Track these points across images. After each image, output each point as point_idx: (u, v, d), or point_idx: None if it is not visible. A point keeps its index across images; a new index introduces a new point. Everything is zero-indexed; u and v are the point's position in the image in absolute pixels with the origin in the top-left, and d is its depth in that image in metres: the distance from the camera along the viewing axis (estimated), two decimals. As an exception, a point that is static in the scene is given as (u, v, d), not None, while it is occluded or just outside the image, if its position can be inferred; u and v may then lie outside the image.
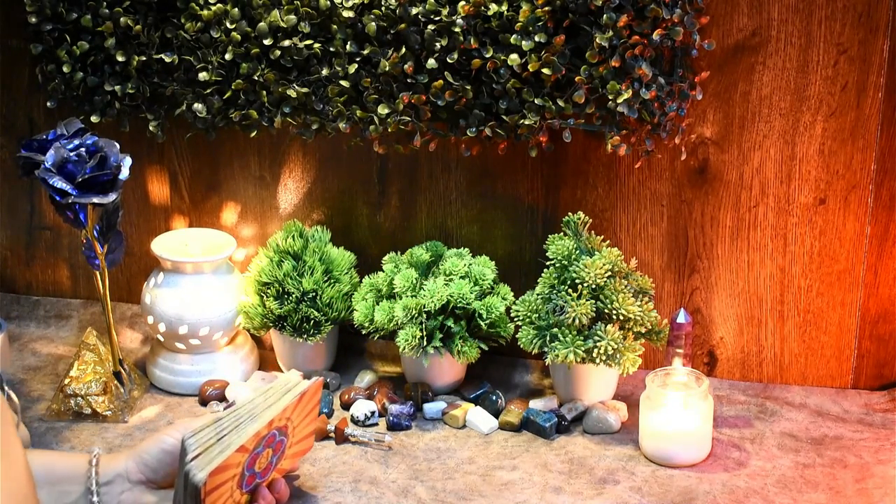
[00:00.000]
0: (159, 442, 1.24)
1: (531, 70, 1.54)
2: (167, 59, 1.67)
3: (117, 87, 1.71)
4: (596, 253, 1.60)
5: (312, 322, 1.66)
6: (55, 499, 1.20)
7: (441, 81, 1.58)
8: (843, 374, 1.68)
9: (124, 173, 1.54)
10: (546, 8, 1.51)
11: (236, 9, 1.63)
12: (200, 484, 1.17)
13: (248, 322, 1.70)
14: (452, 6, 1.55)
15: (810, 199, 1.62)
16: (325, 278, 1.69)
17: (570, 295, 1.56)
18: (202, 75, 1.67)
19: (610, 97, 1.53)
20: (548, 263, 1.61)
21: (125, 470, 1.21)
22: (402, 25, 1.58)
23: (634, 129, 1.59)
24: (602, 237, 1.64)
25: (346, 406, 1.65)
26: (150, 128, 1.74)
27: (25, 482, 0.92)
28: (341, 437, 1.57)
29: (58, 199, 1.51)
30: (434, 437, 1.59)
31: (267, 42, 1.63)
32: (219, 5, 1.64)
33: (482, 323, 1.62)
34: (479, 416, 1.61)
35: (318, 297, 1.67)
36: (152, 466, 1.23)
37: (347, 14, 1.59)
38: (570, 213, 1.63)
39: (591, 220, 1.64)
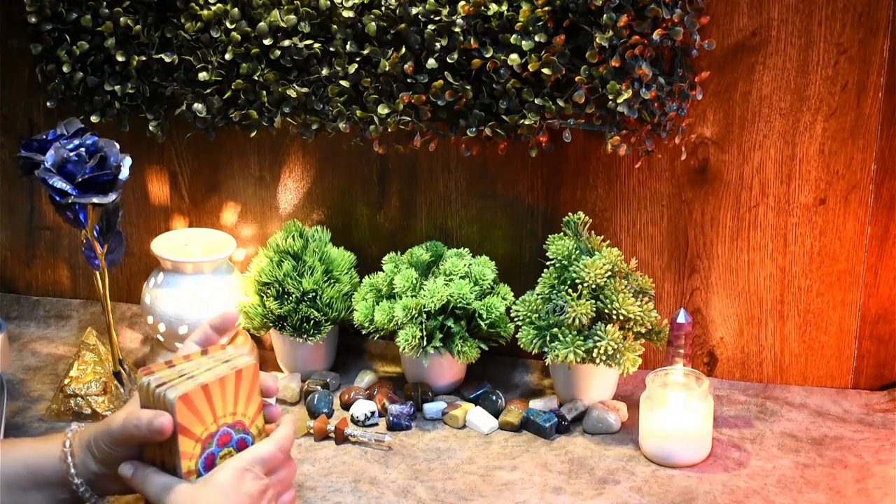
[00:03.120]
0: (105, 447, 1.20)
1: (531, 70, 1.54)
2: (167, 59, 1.67)
3: (117, 87, 1.71)
4: (596, 253, 1.60)
5: (312, 322, 1.66)
6: (52, 497, 1.19)
7: (441, 81, 1.58)
8: (844, 375, 1.68)
9: (124, 173, 1.54)
10: (546, 8, 1.51)
11: (236, 9, 1.64)
12: (173, 399, 1.11)
13: (248, 322, 1.70)
14: (452, 6, 1.55)
15: (810, 199, 1.62)
16: (325, 278, 1.69)
17: (570, 295, 1.56)
18: (202, 75, 1.67)
19: (610, 97, 1.53)
20: (548, 263, 1.61)
21: (99, 470, 1.20)
22: (402, 25, 1.58)
23: (634, 129, 1.59)
24: (602, 237, 1.64)
25: (346, 406, 1.65)
26: (150, 128, 1.74)
27: None
28: (341, 437, 1.57)
29: (58, 199, 1.51)
30: (434, 437, 1.59)
31: (267, 42, 1.63)
32: (219, 5, 1.64)
33: (482, 323, 1.62)
34: (479, 416, 1.61)
35: (318, 297, 1.67)
36: (118, 463, 1.20)
37: (347, 14, 1.59)
38: (570, 213, 1.63)
39: (591, 220, 1.64)
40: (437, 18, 1.56)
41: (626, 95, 1.52)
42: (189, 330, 1.67)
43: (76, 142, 1.54)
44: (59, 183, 1.50)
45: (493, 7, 1.54)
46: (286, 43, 1.63)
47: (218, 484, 1.13)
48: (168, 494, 1.13)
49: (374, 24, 1.59)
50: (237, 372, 1.18)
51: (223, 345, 1.24)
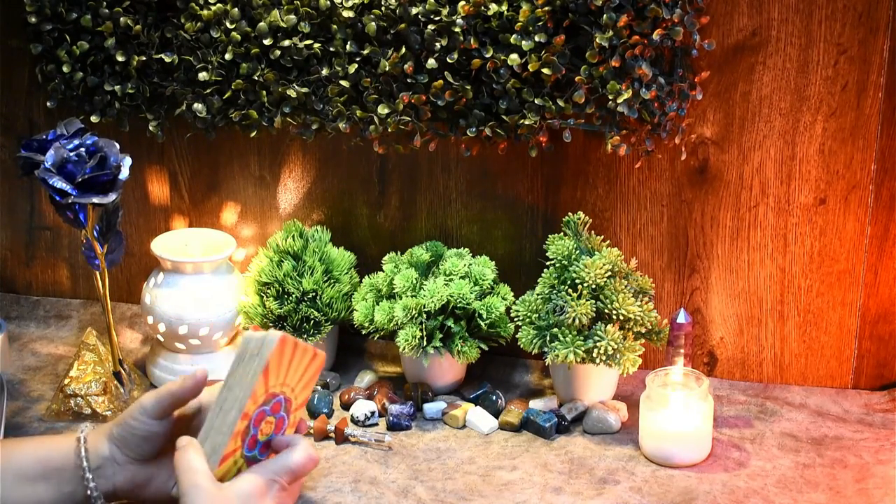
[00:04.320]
0: (130, 419, 1.21)
1: (531, 70, 1.54)
2: (167, 59, 1.67)
3: (117, 87, 1.71)
4: (596, 253, 1.60)
5: (312, 322, 1.66)
6: (56, 489, 1.20)
7: (441, 81, 1.58)
8: (844, 375, 1.68)
9: (124, 173, 1.54)
10: (546, 8, 1.51)
11: (236, 9, 1.64)
12: (274, 339, 1.14)
13: (248, 322, 1.70)
14: (452, 6, 1.55)
15: (810, 198, 1.62)
16: (325, 278, 1.69)
17: (570, 295, 1.56)
18: (202, 75, 1.67)
19: (610, 97, 1.53)
20: (548, 263, 1.61)
21: (110, 454, 1.21)
22: (402, 25, 1.58)
23: (634, 129, 1.59)
24: (602, 237, 1.64)
25: (346, 406, 1.65)
26: (150, 128, 1.74)
27: None
28: (341, 437, 1.57)
29: (58, 199, 1.51)
30: (434, 437, 1.59)
31: (267, 42, 1.63)
32: (219, 5, 1.64)
33: (482, 323, 1.62)
34: (479, 416, 1.61)
35: (318, 297, 1.67)
36: (131, 446, 1.22)
37: (347, 14, 1.59)
38: (570, 213, 1.63)
39: (591, 220, 1.64)
40: (437, 18, 1.56)
41: (626, 95, 1.52)
42: (189, 330, 1.67)
43: (76, 142, 1.54)
44: (59, 183, 1.50)
45: (493, 7, 1.54)
46: (286, 43, 1.63)
47: (239, 494, 1.13)
48: (191, 492, 1.13)
49: (374, 24, 1.59)
50: (314, 351, 1.21)
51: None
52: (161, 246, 1.72)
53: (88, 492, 1.20)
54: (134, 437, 1.20)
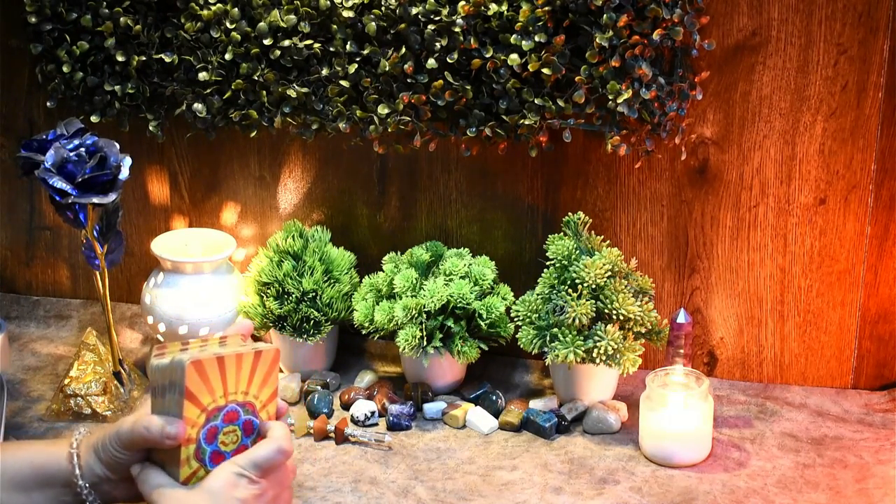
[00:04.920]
0: (110, 446, 1.20)
1: (531, 70, 1.54)
2: (167, 59, 1.67)
3: (117, 87, 1.71)
4: (596, 253, 1.60)
5: (312, 322, 1.66)
6: (55, 499, 1.20)
7: (441, 81, 1.58)
8: (844, 375, 1.68)
9: (124, 173, 1.54)
10: (546, 8, 1.51)
11: (236, 9, 1.64)
12: (186, 361, 1.10)
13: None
14: (452, 6, 1.55)
15: (810, 199, 1.62)
16: (325, 278, 1.69)
17: (570, 295, 1.56)
18: (202, 75, 1.67)
19: (610, 97, 1.53)
20: (548, 263, 1.61)
21: (103, 473, 1.20)
22: (402, 25, 1.58)
23: (634, 129, 1.59)
24: (602, 237, 1.64)
25: (346, 406, 1.65)
26: (150, 128, 1.74)
27: None
28: (341, 437, 1.57)
29: (58, 199, 1.51)
30: (434, 437, 1.59)
31: (267, 42, 1.63)
32: (219, 5, 1.64)
33: (482, 323, 1.62)
34: (479, 416, 1.61)
35: (318, 297, 1.67)
36: (118, 469, 1.21)
37: (347, 14, 1.59)
38: (570, 213, 1.63)
39: (591, 220, 1.64)
40: (437, 18, 1.56)
41: (626, 95, 1.52)
42: (189, 330, 1.67)
43: (76, 142, 1.54)
44: (59, 183, 1.50)
45: (493, 7, 1.54)
46: (286, 43, 1.63)
47: (210, 490, 1.13)
48: (159, 497, 1.13)
49: (374, 24, 1.59)
50: (256, 353, 1.17)
51: (244, 335, 1.23)
52: (161, 246, 1.72)
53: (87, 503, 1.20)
54: (119, 465, 1.19)
